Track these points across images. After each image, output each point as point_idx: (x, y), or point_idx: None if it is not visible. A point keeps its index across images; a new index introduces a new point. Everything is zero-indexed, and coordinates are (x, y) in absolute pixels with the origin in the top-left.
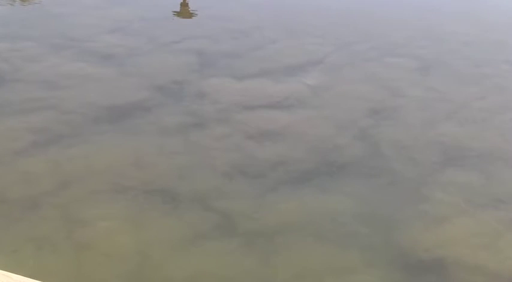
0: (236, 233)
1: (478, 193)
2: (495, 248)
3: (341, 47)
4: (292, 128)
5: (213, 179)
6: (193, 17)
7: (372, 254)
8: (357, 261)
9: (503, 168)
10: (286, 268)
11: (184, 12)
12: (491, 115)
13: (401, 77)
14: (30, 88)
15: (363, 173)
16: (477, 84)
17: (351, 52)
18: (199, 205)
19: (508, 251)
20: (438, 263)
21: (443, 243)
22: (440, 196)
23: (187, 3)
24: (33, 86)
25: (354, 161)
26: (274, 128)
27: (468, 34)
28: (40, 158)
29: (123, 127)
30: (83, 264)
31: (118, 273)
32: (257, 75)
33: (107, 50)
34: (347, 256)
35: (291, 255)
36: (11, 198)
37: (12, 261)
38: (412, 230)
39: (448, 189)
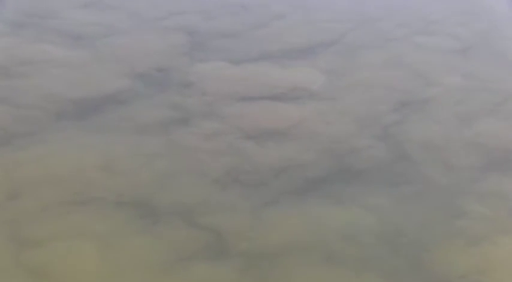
0: (229, 255)
1: None
2: None
3: (361, 24)
4: (299, 125)
5: (201, 188)
6: None
7: (396, 280)
8: None
9: None
10: None
11: None
12: None
13: (435, 60)
14: None
15: (386, 181)
16: None
17: (373, 30)
18: (184, 220)
19: None
20: None
21: (483, 267)
22: (480, 209)
23: None
24: None
25: (375, 165)
26: (278, 125)
27: None
28: None
29: (91, 124)
30: None
31: None
32: (258, 59)
33: (77, 28)
34: None
35: None
36: None
37: None
38: (445, 252)
39: (490, 201)
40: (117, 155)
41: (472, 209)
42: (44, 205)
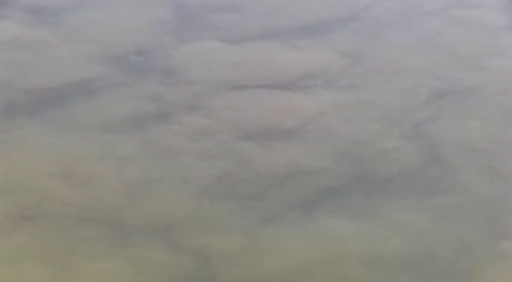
0: None
1: None
2: None
3: None
4: (311, 121)
5: (185, 201)
6: None
7: None
8: None
9: None
10: None
11: None
12: None
13: (478, 40)
14: None
15: (417, 192)
16: None
17: (403, 2)
18: (163, 241)
19: None
20: None
21: None
22: None
23: None
24: None
25: (404, 172)
26: (284, 122)
27: None
28: None
29: (49, 119)
30: None
31: None
32: (260, 37)
33: (36, 0)
34: None
35: None
36: None
37: None
38: (488, 281)
39: None
40: (80, 159)
41: None
42: None
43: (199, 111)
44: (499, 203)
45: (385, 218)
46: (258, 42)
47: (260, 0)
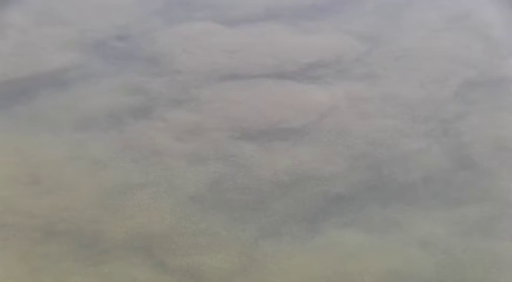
0: None
1: None
2: None
3: None
4: (321, 117)
5: (169, 212)
6: None
7: None
8: None
9: None
10: None
11: None
12: None
13: None
14: None
15: (444, 200)
16: None
17: None
18: (144, 259)
19: None
20: None
21: None
22: None
23: None
24: None
25: (429, 177)
26: (289, 118)
27: None
28: None
29: (14, 115)
30: None
31: None
32: (261, 18)
33: None
34: None
35: None
36: None
37: None
38: None
39: None
40: (50, 161)
41: None
42: None
43: (188, 105)
44: None
45: (406, 232)
46: (258, 23)
47: None
